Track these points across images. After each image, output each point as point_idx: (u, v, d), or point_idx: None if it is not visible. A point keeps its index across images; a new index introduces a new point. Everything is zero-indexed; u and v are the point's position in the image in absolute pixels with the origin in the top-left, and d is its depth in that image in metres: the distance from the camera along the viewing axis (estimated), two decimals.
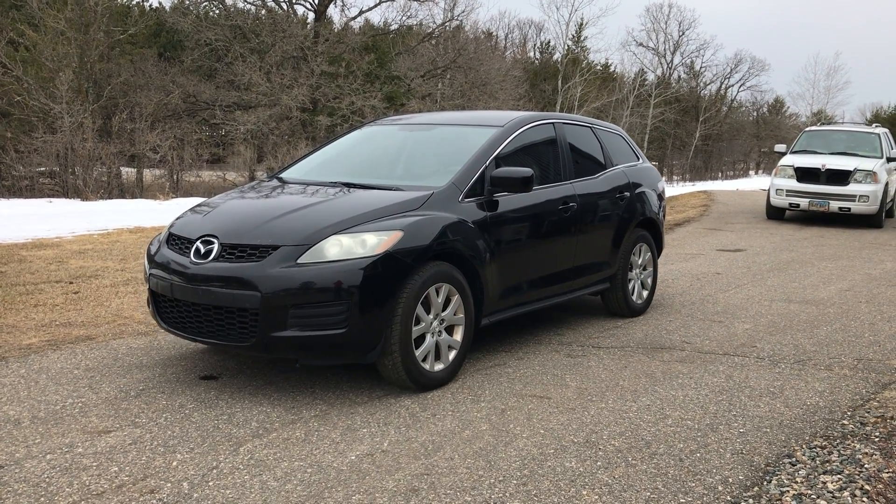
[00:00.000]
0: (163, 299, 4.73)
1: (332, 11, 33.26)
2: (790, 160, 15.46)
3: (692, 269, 9.35)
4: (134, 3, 36.86)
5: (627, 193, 6.76)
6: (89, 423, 3.99)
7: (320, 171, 5.83)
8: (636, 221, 6.80)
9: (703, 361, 5.41)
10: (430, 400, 4.45)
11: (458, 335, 4.84)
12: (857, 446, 3.98)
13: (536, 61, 48.79)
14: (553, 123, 6.26)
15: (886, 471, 3.68)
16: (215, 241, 4.51)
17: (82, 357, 5.13)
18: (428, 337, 4.65)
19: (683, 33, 53.13)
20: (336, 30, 26.74)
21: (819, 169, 14.67)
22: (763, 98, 62.28)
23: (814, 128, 17.64)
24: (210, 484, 3.35)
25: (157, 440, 3.79)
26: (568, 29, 43.88)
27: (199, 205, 5.44)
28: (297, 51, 23.71)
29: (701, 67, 55.79)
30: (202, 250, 4.52)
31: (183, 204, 16.76)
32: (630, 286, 6.81)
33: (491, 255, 5.08)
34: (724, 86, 57.77)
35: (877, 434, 4.17)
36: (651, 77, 51.06)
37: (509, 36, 50.62)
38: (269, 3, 25.51)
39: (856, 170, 14.44)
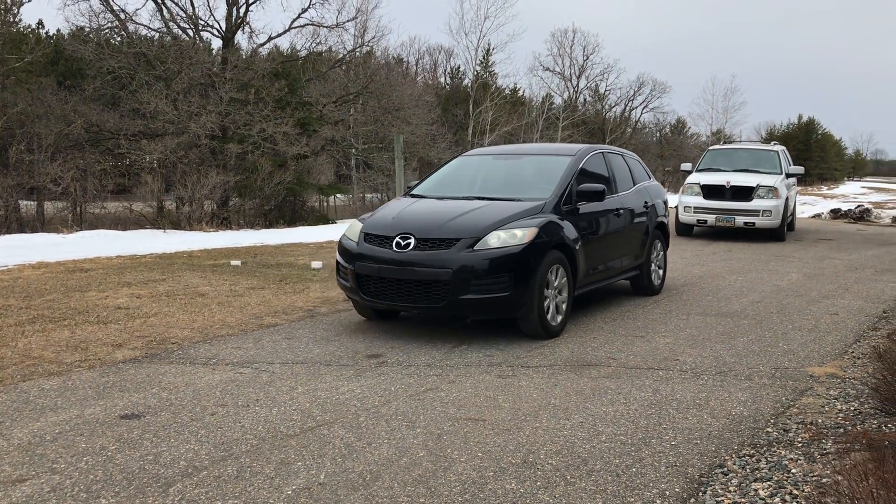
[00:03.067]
0: (367, 279, 6.66)
1: (240, 38, 32.87)
2: (696, 178, 16.05)
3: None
4: (29, 30, 35.53)
5: (649, 203, 9.05)
6: (2, 473, 3.73)
7: (445, 189, 7.93)
8: (655, 224, 9.12)
9: (630, 376, 5.50)
10: (364, 429, 4.37)
11: (563, 300, 6.91)
12: (783, 453, 4.10)
13: (447, 86, 49.31)
14: (602, 152, 8.55)
15: (811, 475, 3.81)
16: (411, 236, 6.52)
17: None
18: (551, 304, 6.72)
19: (588, 58, 54.57)
20: (244, 56, 26.39)
21: (724, 186, 15.28)
22: (665, 119, 64.51)
23: (717, 146, 18.39)
24: None
25: (78, 486, 3.58)
26: (477, 54, 44.57)
27: (376, 212, 7.46)
28: (205, 77, 23.19)
29: (606, 90, 57.40)
30: (402, 243, 6.52)
31: (88, 237, 16.09)
32: (651, 273, 8.96)
33: (581, 246, 7.21)
34: (628, 108, 59.58)
35: (799, 440, 4.31)
36: (558, 101, 52.29)
37: (420, 61, 51.00)
38: (174, 30, 24.96)
39: (758, 186, 15.10)
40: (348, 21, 30.15)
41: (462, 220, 6.66)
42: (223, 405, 4.77)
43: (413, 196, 7.87)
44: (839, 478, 3.28)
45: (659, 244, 9.32)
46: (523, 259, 6.40)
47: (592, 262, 7.51)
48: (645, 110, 60.17)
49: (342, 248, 7.06)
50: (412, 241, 6.49)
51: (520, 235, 6.48)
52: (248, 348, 6.26)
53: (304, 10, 25.93)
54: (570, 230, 7.07)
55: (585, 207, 7.50)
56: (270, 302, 8.34)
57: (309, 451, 4.02)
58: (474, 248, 6.37)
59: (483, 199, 7.30)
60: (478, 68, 44.91)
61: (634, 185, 8.92)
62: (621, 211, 8.23)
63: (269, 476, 3.70)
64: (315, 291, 9.06)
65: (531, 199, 7.16)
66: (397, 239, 6.56)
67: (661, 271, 9.35)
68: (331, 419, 4.52)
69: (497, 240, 6.44)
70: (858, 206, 25.99)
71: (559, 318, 6.84)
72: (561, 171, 7.60)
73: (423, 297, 6.42)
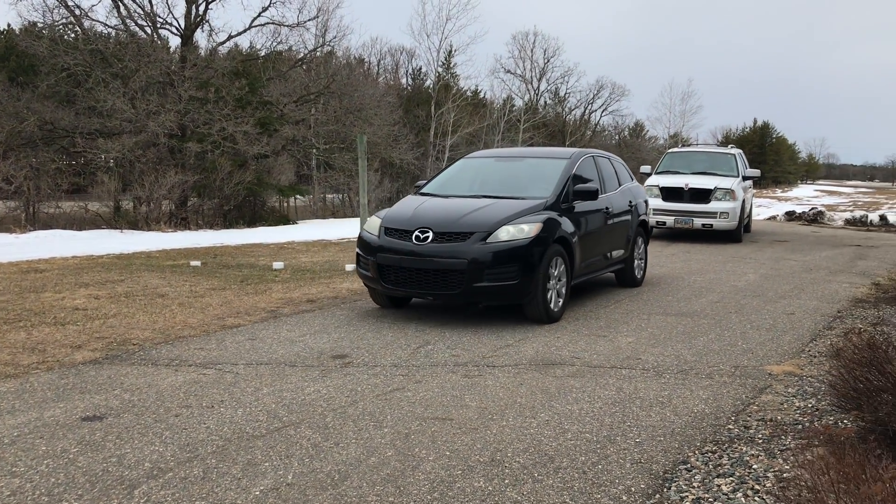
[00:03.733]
0: (388, 269, 7.30)
1: (200, 36, 32.45)
2: (655, 180, 16.26)
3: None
4: None
5: (633, 202, 9.85)
6: None
7: (452, 188, 8.58)
8: (637, 222, 9.90)
9: (594, 375, 5.56)
10: (331, 429, 4.35)
11: (562, 288, 7.62)
12: (744, 449, 4.18)
13: (409, 87, 49.19)
14: (592, 156, 9.33)
15: (772, 470, 3.89)
16: (430, 230, 7.20)
17: None
18: (552, 292, 7.40)
19: (548, 61, 54.93)
20: (203, 55, 26.06)
21: (682, 188, 15.51)
22: (624, 122, 65.44)
23: (676, 149, 18.66)
24: None
25: (39, 489, 3.50)
26: (438, 56, 44.55)
27: (392, 208, 8.08)
28: (163, 76, 22.83)
29: (566, 93, 57.89)
30: (421, 237, 7.19)
31: (42, 237, 15.74)
32: (635, 266, 9.81)
33: (577, 241, 7.92)
34: (587, 111, 60.19)
35: (760, 436, 4.40)
36: (519, 103, 52.51)
37: (382, 62, 50.66)
38: (131, 28, 24.54)
39: (716, 188, 15.36)
40: (309, 20, 29.91)
41: (474, 216, 7.34)
42: (187, 406, 4.72)
43: (423, 194, 8.54)
44: (801, 472, 3.35)
45: (641, 240, 10.12)
46: (530, 251, 7.13)
47: (586, 255, 8.27)
48: (604, 113, 60.94)
49: (362, 242, 7.72)
50: (430, 234, 7.18)
51: (527, 230, 7.21)
52: (210, 349, 6.19)
53: (265, 9, 25.70)
54: (567, 226, 7.77)
55: (580, 206, 8.23)
56: (232, 303, 8.26)
57: (276, 452, 3.99)
58: (486, 240, 7.07)
59: (489, 197, 7.98)
60: (440, 69, 44.94)
61: (620, 185, 9.69)
62: (610, 209, 8.97)
63: (237, 477, 3.67)
64: (277, 292, 8.99)
65: (533, 198, 7.86)
66: (416, 232, 7.24)
67: (642, 265, 10.14)
68: (297, 420, 4.49)
69: (507, 234, 7.14)
70: (812, 208, 26.57)
71: (559, 305, 7.55)
72: (558, 172, 8.34)
73: (440, 285, 7.10)
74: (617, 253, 9.30)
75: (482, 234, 7.10)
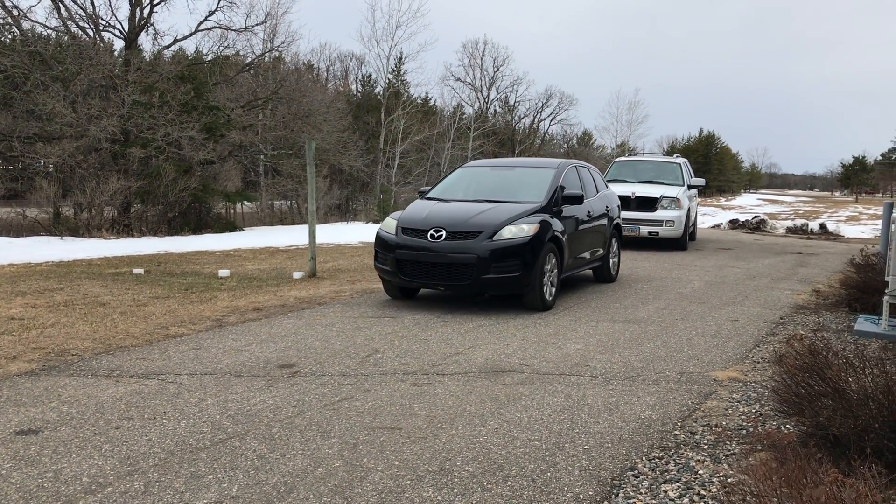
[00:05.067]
0: (405, 263, 8.34)
1: (144, 39, 31.85)
2: None
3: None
4: None
5: (609, 207, 10.99)
6: None
7: (454, 193, 9.66)
8: (613, 225, 11.04)
9: (543, 382, 5.57)
10: (277, 440, 4.27)
11: (554, 280, 8.70)
12: (690, 454, 4.23)
13: (359, 94, 48.95)
14: (575, 166, 10.51)
15: (717, 475, 3.93)
16: (443, 229, 8.25)
17: None
18: (546, 284, 8.50)
19: (498, 69, 55.17)
20: (148, 58, 25.59)
21: (629, 196, 15.71)
22: (573, 131, 66.12)
23: (623, 158, 18.94)
24: None
25: None
26: (388, 63, 44.46)
27: (406, 211, 9.05)
28: (106, 79, 22.35)
29: (515, 102, 58.23)
30: (435, 235, 8.24)
31: None
32: (611, 264, 10.92)
33: (566, 240, 9.01)
34: (536, 119, 60.69)
35: (705, 442, 4.45)
36: (469, 111, 52.70)
37: (331, 68, 50.32)
38: (73, 29, 23.96)
39: (662, 197, 15.60)
40: (257, 25, 29.45)
41: (481, 217, 8.41)
42: (128, 418, 4.58)
43: (429, 199, 9.54)
44: (745, 477, 3.39)
45: (615, 241, 11.19)
46: (529, 247, 8.21)
47: (573, 252, 9.41)
48: (553, 122, 61.49)
49: (380, 240, 8.74)
50: (444, 233, 8.23)
51: (527, 229, 8.30)
52: (153, 359, 6.04)
53: (212, 13, 25.42)
54: (558, 226, 8.85)
55: (567, 210, 9.32)
56: (176, 311, 8.08)
57: (220, 464, 3.90)
58: (493, 238, 8.16)
59: (490, 201, 9.06)
60: (390, 76, 44.84)
61: (597, 192, 10.81)
62: (591, 213, 10.09)
63: (179, 490, 3.57)
64: (223, 300, 8.84)
65: (529, 202, 8.96)
66: (431, 231, 8.29)
67: (616, 263, 11.24)
68: (243, 431, 4.40)
69: (510, 233, 8.23)
70: (755, 217, 27.21)
71: (552, 295, 8.68)
72: (548, 180, 9.45)
73: (452, 277, 8.17)
74: (597, 251, 10.39)
75: (489, 233, 8.17)
